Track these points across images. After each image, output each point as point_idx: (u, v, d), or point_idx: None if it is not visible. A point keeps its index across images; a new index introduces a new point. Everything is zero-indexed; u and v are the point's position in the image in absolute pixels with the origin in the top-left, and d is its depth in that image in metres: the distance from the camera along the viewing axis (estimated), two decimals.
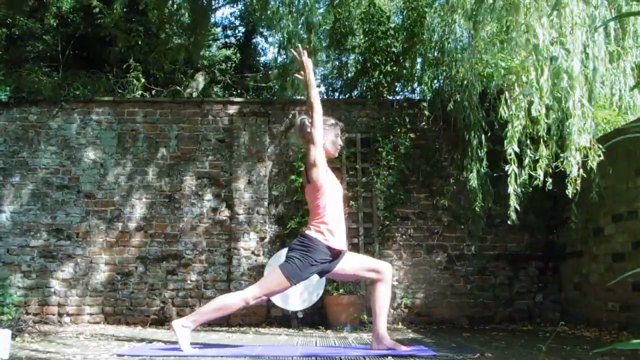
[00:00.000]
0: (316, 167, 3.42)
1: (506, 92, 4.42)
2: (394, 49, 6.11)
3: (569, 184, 4.10)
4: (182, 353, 3.27)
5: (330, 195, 3.46)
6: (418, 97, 6.26)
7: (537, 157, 4.23)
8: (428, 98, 5.99)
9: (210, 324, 5.60)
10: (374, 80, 6.09)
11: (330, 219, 3.41)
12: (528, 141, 4.30)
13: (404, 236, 5.90)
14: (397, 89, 6.40)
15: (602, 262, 4.98)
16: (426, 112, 5.90)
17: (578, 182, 4.08)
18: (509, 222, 4.52)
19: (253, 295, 3.38)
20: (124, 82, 6.96)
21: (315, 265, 3.36)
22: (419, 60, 6.15)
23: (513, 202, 4.38)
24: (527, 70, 3.96)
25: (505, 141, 4.28)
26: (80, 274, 5.77)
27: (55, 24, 7.98)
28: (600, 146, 4.15)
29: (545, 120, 4.09)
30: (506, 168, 4.35)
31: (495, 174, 5.20)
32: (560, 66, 3.74)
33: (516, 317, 5.75)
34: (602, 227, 4.99)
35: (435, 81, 5.97)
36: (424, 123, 6.00)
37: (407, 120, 5.93)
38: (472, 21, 4.76)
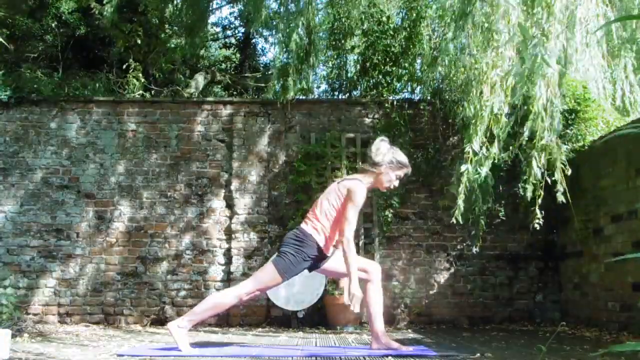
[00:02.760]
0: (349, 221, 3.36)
1: (473, 90, 4.34)
2: (393, 49, 6.11)
3: (527, 185, 4.01)
4: (181, 353, 3.28)
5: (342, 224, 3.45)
6: (418, 97, 6.27)
7: (487, 155, 4.13)
8: (428, 98, 5.99)
9: (210, 324, 5.61)
10: (374, 80, 6.09)
11: (329, 228, 3.43)
12: (484, 139, 4.13)
13: (404, 236, 5.90)
14: (396, 89, 6.40)
15: (602, 262, 4.98)
16: (426, 112, 5.90)
17: (541, 183, 4.00)
18: (452, 221, 4.47)
19: (246, 291, 3.41)
20: (124, 82, 6.96)
21: (307, 261, 3.40)
22: (418, 60, 6.15)
23: (461, 200, 4.32)
24: (491, 67, 3.90)
25: (465, 139, 4.22)
26: (80, 274, 5.77)
27: (54, 25, 7.99)
28: (563, 146, 4.06)
29: (505, 119, 4.03)
30: (462, 168, 4.25)
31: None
32: (536, 58, 3.69)
33: (516, 317, 5.75)
34: (602, 227, 4.99)
35: (435, 81, 5.97)
36: (423, 123, 6.00)
37: (407, 120, 5.93)
38: (456, 22, 4.70)
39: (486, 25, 4.00)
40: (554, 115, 3.87)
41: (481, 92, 4.05)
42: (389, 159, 3.49)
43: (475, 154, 4.13)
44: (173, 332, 3.39)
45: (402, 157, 3.54)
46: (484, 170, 4.06)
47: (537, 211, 4.17)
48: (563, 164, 4.06)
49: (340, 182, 3.54)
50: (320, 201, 3.51)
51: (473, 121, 4.09)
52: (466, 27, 4.30)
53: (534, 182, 3.99)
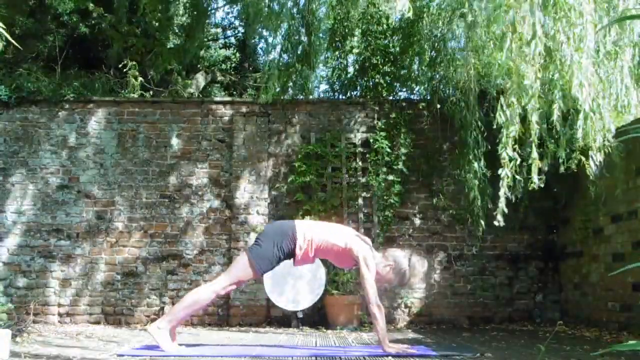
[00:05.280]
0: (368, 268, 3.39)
1: (501, 97, 4.34)
2: (392, 50, 6.11)
3: (590, 186, 4.03)
4: (182, 353, 3.28)
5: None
6: (417, 98, 6.27)
7: (530, 161, 4.15)
8: (427, 98, 5.99)
9: (210, 324, 5.61)
10: (373, 80, 6.09)
11: (311, 249, 3.42)
12: (516, 145, 4.16)
13: (404, 236, 5.90)
14: (396, 89, 6.40)
15: (602, 262, 4.98)
16: (425, 112, 5.91)
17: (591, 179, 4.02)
18: (495, 223, 4.47)
19: (222, 286, 3.42)
20: (123, 83, 6.95)
21: (282, 256, 3.40)
22: (417, 60, 6.15)
23: (502, 204, 4.33)
24: (518, 73, 3.87)
25: (499, 146, 4.22)
26: (80, 274, 5.77)
27: (53, 25, 7.97)
28: (609, 143, 4.05)
29: (536, 124, 4.02)
30: (499, 172, 4.26)
31: (494, 174, 5.19)
32: (565, 63, 3.66)
33: (516, 317, 5.76)
34: (602, 227, 4.99)
35: (433, 81, 5.97)
36: (423, 123, 6.00)
37: (407, 120, 5.94)
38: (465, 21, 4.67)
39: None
40: (602, 114, 3.87)
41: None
42: (401, 268, 3.46)
43: (510, 159, 4.10)
44: (153, 334, 3.37)
45: (411, 277, 3.51)
46: (535, 176, 4.03)
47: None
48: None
49: (360, 244, 3.45)
50: (329, 229, 3.50)
51: (505, 128, 4.04)
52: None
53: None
